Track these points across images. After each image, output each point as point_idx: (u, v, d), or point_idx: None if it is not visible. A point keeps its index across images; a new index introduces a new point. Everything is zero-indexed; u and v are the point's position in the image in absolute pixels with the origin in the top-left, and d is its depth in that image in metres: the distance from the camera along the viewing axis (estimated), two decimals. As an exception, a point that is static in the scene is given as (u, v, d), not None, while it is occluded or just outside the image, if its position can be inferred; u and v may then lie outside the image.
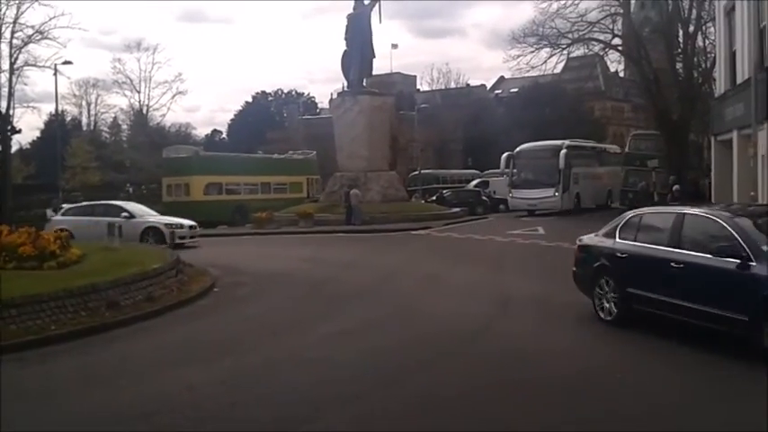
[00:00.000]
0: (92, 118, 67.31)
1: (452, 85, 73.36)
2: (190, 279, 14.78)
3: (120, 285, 11.99)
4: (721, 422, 6.27)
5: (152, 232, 23.04)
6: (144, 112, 60.55)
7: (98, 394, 7.45)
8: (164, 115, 65.50)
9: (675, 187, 24.65)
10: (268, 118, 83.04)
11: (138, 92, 60.73)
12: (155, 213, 25.68)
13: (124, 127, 68.53)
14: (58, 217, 24.86)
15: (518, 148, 37.02)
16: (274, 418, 6.60)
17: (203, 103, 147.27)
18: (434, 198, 42.70)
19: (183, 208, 30.65)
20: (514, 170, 36.33)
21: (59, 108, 53.97)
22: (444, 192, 43.22)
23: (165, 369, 8.44)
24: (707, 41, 37.61)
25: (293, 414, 6.68)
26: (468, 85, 76.60)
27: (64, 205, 28.71)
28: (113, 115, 67.29)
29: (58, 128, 47.42)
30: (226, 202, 35.25)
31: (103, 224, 21.54)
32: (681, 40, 37.40)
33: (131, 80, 60.49)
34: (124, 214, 23.40)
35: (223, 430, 6.44)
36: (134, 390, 7.54)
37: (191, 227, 24.27)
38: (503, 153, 37.26)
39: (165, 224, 23.65)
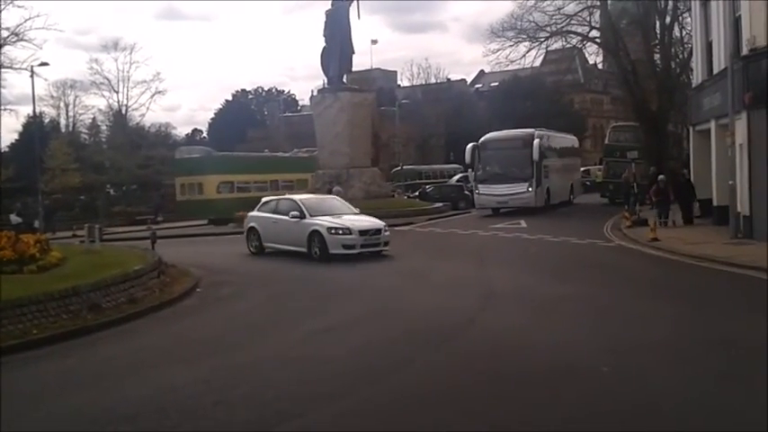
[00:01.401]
0: (70, 119, 66.63)
1: (433, 80, 73.64)
2: (172, 280, 14.70)
3: (102, 288, 11.89)
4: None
5: (317, 238, 18.14)
6: (123, 112, 60.04)
7: (81, 397, 7.41)
8: (143, 115, 64.98)
9: (660, 177, 24.26)
10: (249, 116, 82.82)
11: (117, 92, 60.18)
12: (347, 210, 20.12)
13: (103, 128, 67.89)
14: (254, 213, 21.02)
15: (483, 138, 33.73)
16: (258, 416, 6.59)
17: (183, 102, 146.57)
18: (417, 193, 42.75)
19: (196, 206, 33.46)
20: (479, 163, 32.84)
21: (37, 110, 53.33)
22: (427, 187, 43.29)
23: (148, 370, 8.39)
24: (684, 32, 37.87)
25: (277, 412, 6.67)
26: (448, 79, 76.88)
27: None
28: (92, 116, 66.67)
29: (36, 130, 46.85)
30: (237, 200, 35.77)
31: (285, 225, 19.02)
32: (658, 31, 37.61)
33: (109, 80, 59.91)
34: (294, 213, 19.02)
35: (206, 430, 6.41)
36: (117, 392, 7.50)
37: (372, 231, 18.60)
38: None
39: (329, 227, 18.16)
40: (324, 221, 18.27)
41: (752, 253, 15.66)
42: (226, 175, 37.65)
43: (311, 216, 18.65)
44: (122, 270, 13.20)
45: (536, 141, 31.65)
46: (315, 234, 18.09)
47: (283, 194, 33.89)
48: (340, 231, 17.94)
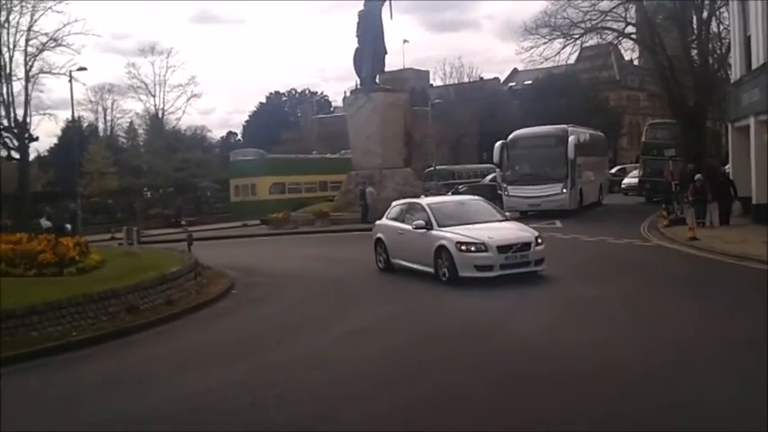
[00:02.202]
0: (108, 123, 67.95)
1: (465, 80, 73.20)
2: (208, 281, 14.92)
3: (140, 290, 12.12)
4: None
5: (444, 255, 13.97)
6: (159, 115, 60.85)
7: (119, 398, 7.55)
8: (179, 118, 65.60)
9: (697, 176, 22.83)
10: (282, 118, 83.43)
11: (153, 96, 60.87)
12: (491, 216, 15.68)
13: (140, 131, 68.99)
14: (382, 221, 17.47)
15: (512, 135, 31.38)
16: (292, 418, 6.65)
17: (218, 105, 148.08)
18: (450, 193, 42.59)
19: (250, 206, 34.90)
20: (509, 162, 30.42)
21: (76, 114, 54.33)
22: (460, 187, 43.11)
23: (185, 371, 8.52)
24: (721, 27, 37.08)
25: (310, 413, 6.72)
26: (481, 78, 76.38)
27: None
28: (129, 120, 67.83)
29: (74, 134, 47.77)
30: (289, 200, 37.79)
31: (410, 237, 15.19)
32: (695, 26, 36.88)
33: (146, 84, 60.58)
34: (418, 222, 14.92)
35: (241, 431, 6.48)
36: (154, 393, 7.64)
37: (517, 246, 13.82)
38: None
39: (458, 242, 13.80)
40: (453, 234, 14.03)
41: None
42: (278, 176, 39.52)
43: (440, 226, 14.56)
44: (159, 272, 13.42)
45: (571, 138, 29.47)
46: (442, 250, 13.98)
47: (332, 195, 34.31)
48: (472, 248, 13.64)
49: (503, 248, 13.59)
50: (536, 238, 14.16)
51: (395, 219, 16.52)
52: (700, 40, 36.84)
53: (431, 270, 14.37)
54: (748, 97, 21.98)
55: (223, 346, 9.92)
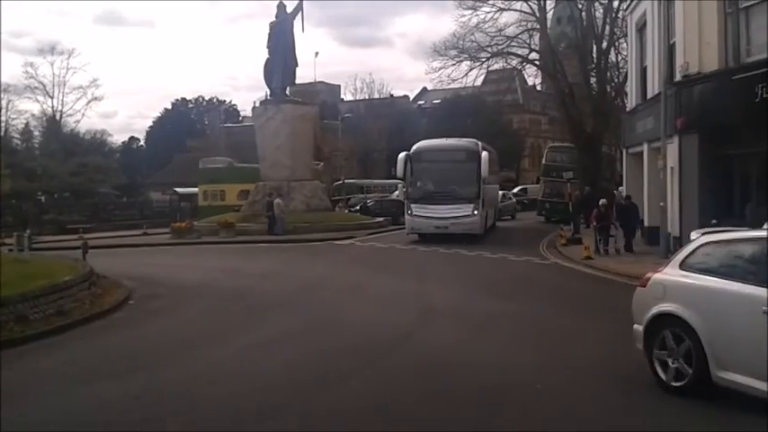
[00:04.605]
0: (2, 124, 64.50)
1: (376, 96, 73.96)
2: (104, 291, 14.32)
3: (30, 299, 11.49)
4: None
5: None
6: (57, 118, 58.44)
7: (5, 413, 7.07)
8: (78, 121, 63.49)
9: (602, 201, 21.93)
10: (188, 125, 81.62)
11: (52, 97, 58.65)
12: None
13: (36, 133, 66.00)
14: (675, 277, 7.64)
15: (416, 146, 28.00)
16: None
17: (120, 109, 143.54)
18: (358, 208, 42.76)
19: (218, 211, 35.10)
20: (413, 177, 27.02)
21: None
22: (368, 201, 43.34)
23: (76, 385, 8.12)
24: (619, 57, 39.14)
25: (208, 429, 6.53)
26: (391, 95, 77.42)
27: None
28: (25, 121, 64.74)
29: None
30: None
31: None
32: (595, 55, 38.72)
33: (44, 85, 58.36)
34: None
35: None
36: (42, 408, 7.24)
37: None
38: None
39: None
40: None
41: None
42: (246, 184, 39.59)
43: None
44: (51, 281, 12.77)
45: (484, 154, 26.70)
46: None
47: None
48: None
49: None
50: None
51: (726, 273, 6.98)
52: (599, 69, 38.69)
53: None
54: (642, 125, 23.15)
55: (117, 359, 9.51)
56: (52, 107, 58.61)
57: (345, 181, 52.98)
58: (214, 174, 44.45)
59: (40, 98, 58.66)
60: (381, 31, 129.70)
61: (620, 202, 23.65)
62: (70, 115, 60.33)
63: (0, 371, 8.38)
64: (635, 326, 7.87)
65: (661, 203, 19.60)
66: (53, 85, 57.95)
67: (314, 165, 46.62)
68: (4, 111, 62.62)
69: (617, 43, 38.28)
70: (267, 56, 35.02)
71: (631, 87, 26.60)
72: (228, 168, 44.43)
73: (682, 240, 18.76)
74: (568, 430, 6.45)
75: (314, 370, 8.57)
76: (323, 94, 75.58)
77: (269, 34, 34.90)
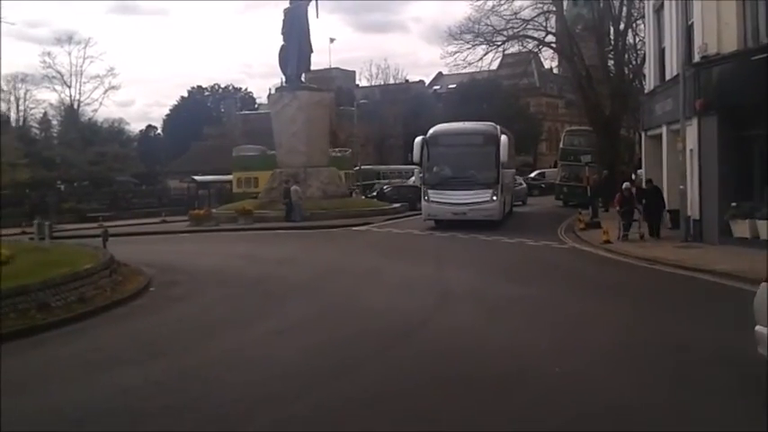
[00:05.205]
0: (21, 114, 65.15)
1: (391, 81, 73.67)
2: (124, 279, 14.42)
3: (51, 286, 11.62)
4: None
5: None
6: (75, 107, 58.83)
7: (27, 400, 7.20)
8: (96, 110, 63.83)
9: (626, 185, 21.67)
10: (205, 113, 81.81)
11: (69, 87, 58.97)
12: None
13: (54, 123, 66.51)
14: None
15: (433, 130, 27.34)
16: (207, 419, 6.51)
17: (137, 97, 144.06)
18: (375, 194, 42.76)
19: (252, 198, 35.85)
20: (430, 162, 26.37)
21: (-14, 104, 51.97)
22: (384, 187, 43.32)
23: (98, 372, 8.22)
24: (637, 38, 38.67)
25: (226, 415, 6.60)
26: (407, 80, 77.11)
27: None
28: (43, 111, 65.30)
29: (-16, 124, 45.62)
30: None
31: None
32: (612, 37, 38.31)
33: (62, 74, 58.67)
34: None
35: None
36: (65, 394, 7.33)
37: None
38: None
39: None
40: None
41: (699, 256, 16.09)
42: None
43: None
44: (72, 269, 12.90)
45: (503, 138, 25.86)
46: None
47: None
48: None
49: None
50: None
51: None
52: (616, 51, 38.28)
53: None
54: (661, 107, 22.91)
55: (138, 345, 9.61)
56: (70, 96, 59.02)
57: (361, 167, 52.97)
58: (247, 161, 45.65)
59: (58, 87, 59.06)
60: (396, 15, 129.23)
61: (640, 186, 23.19)
62: (88, 104, 60.76)
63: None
64: (757, 327, 6.67)
65: (680, 186, 19.42)
66: (70, 75, 58.31)
67: (341, 151, 49.68)
68: (22, 100, 63.24)
69: (634, 24, 37.82)
70: (282, 42, 35.00)
71: (649, 69, 26.29)
72: (261, 156, 44.99)
73: (702, 224, 18.64)
74: (586, 412, 6.44)
75: (330, 357, 8.61)
76: (338, 81, 75.50)
77: (283, 21, 34.85)
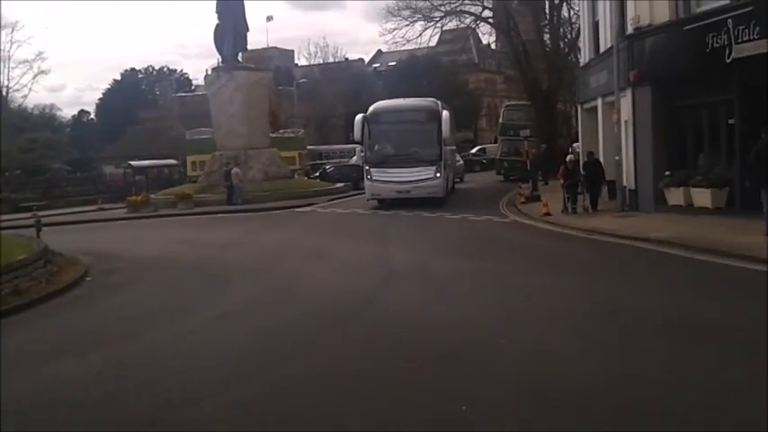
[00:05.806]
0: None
1: (331, 60, 73.02)
2: (60, 269, 14.02)
3: (-18, 279, 11.20)
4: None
5: None
6: (4, 93, 56.56)
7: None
8: (25, 96, 61.59)
9: (569, 158, 21.61)
10: (139, 96, 79.55)
11: (-3, 72, 56.56)
12: None
13: (-19, 110, 63.81)
14: None
15: (373, 107, 26.90)
16: (153, 406, 6.38)
17: (68, 82, 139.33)
18: (317, 174, 42.52)
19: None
20: (371, 140, 25.86)
21: None
22: (327, 167, 43.10)
23: (36, 364, 7.98)
24: (572, 12, 39.23)
25: (172, 401, 6.48)
26: (346, 59, 76.43)
27: None
28: (-30, 98, 62.51)
29: None
30: None
31: None
32: (547, 11, 38.79)
33: (-12, 60, 56.18)
34: None
35: (97, 423, 6.13)
36: (2, 387, 7.07)
37: None
38: None
39: None
40: None
41: (636, 225, 16.54)
42: None
43: None
44: (5, 260, 12.44)
45: (445, 113, 25.72)
46: None
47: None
48: None
49: None
50: None
51: None
52: (552, 25, 38.82)
53: None
54: (596, 80, 23.31)
55: (77, 336, 9.36)
56: (-2, 82, 56.67)
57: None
58: (201, 144, 44.44)
59: (-15, 73, 56.60)
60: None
61: (584, 159, 23.29)
62: (17, 90, 58.46)
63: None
64: None
65: (616, 157, 19.84)
66: (-3, 60, 55.90)
67: (294, 131, 50.12)
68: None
69: (569, -2, 38.37)
70: (217, 22, 34.27)
71: (584, 42, 26.70)
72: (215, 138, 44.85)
73: (638, 193, 19.11)
74: (529, 375, 6.54)
75: (280, 339, 8.53)
76: (276, 60, 74.32)
77: (217, -1, 34.12)
